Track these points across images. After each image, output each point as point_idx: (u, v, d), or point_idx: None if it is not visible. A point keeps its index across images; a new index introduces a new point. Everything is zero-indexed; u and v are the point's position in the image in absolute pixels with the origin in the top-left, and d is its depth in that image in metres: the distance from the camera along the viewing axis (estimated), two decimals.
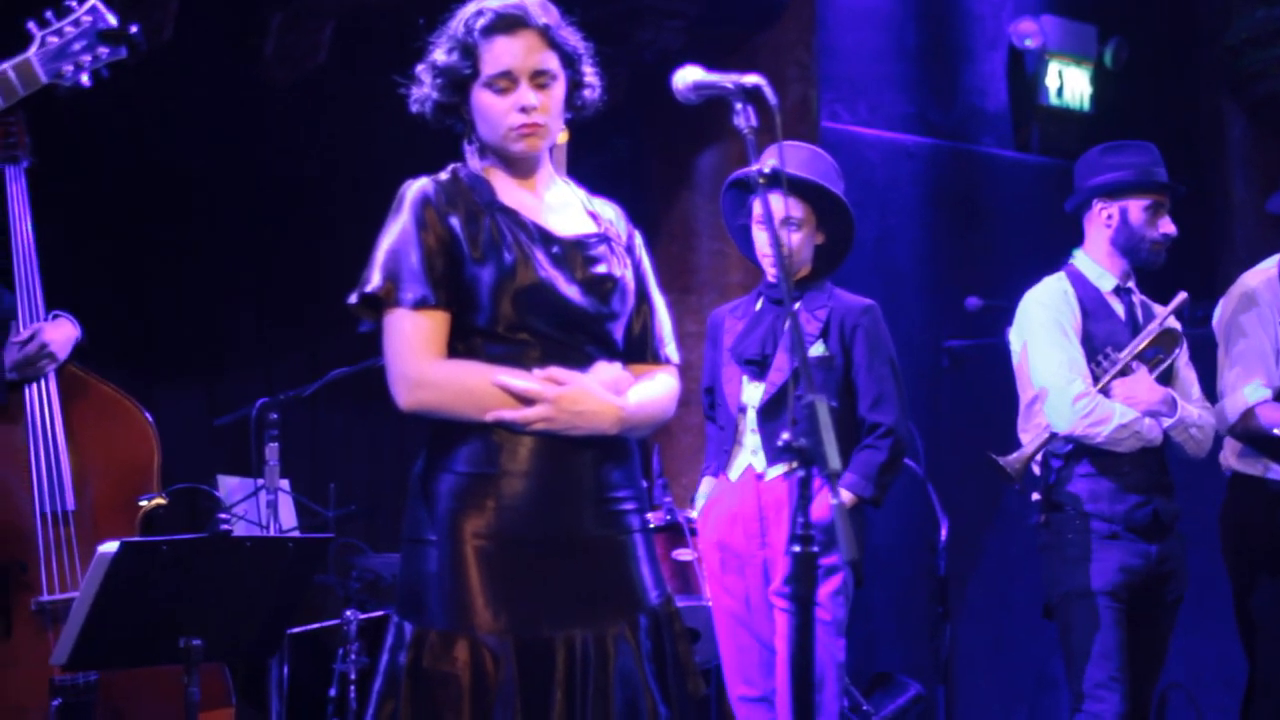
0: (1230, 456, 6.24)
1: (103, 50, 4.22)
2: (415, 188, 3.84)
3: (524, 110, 3.83)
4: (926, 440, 7.77)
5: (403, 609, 3.80)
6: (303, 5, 7.24)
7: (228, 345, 7.89)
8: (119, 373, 6.50)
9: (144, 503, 5.57)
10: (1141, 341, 5.85)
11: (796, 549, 3.14)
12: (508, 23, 3.85)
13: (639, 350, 4.01)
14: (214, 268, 7.83)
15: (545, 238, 3.86)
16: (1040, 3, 10.16)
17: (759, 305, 5.82)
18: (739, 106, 3.63)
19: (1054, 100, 10.20)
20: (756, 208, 5.62)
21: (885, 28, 9.37)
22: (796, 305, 5.60)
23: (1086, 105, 10.34)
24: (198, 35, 6.94)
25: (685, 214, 8.60)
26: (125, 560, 4.55)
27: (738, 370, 5.76)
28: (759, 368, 5.69)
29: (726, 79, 3.69)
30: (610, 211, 4.06)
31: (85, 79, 4.23)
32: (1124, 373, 5.81)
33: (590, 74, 4.00)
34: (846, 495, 5.54)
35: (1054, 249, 7.29)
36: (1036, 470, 5.95)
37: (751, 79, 3.64)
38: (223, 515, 5.54)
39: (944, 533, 7.57)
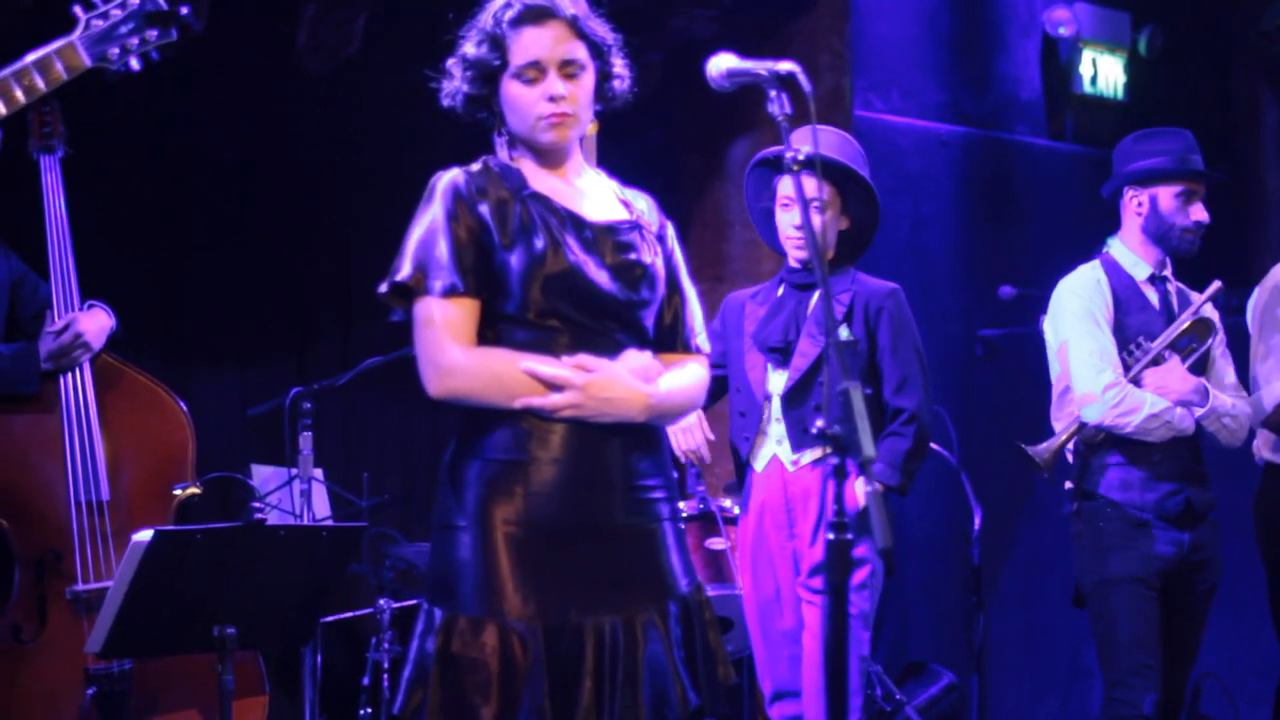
0: (1264, 447, 6.23)
1: (152, 33, 4.15)
2: (446, 178, 3.86)
3: (552, 99, 3.85)
4: (960, 429, 7.76)
5: (433, 595, 3.81)
6: None
7: (262, 334, 7.90)
8: (153, 362, 6.54)
9: (178, 492, 5.59)
10: (1174, 331, 5.83)
11: (831, 537, 3.13)
12: (536, 14, 3.87)
13: (669, 339, 4.02)
14: (247, 257, 7.84)
15: (576, 223, 3.87)
16: None
17: (780, 291, 5.74)
18: (773, 94, 3.63)
19: (1088, 88, 10.16)
20: (783, 188, 5.59)
21: (919, 15, 9.34)
22: (818, 292, 5.54)
23: (1120, 93, 10.30)
24: (231, 25, 6.94)
25: (718, 203, 8.59)
26: (159, 549, 4.57)
27: (761, 357, 5.69)
28: (782, 355, 5.63)
29: (760, 66, 3.69)
30: (642, 202, 4.07)
31: (135, 63, 4.17)
32: (1156, 362, 5.79)
33: (619, 65, 4.01)
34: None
35: (1088, 238, 7.26)
36: (1069, 459, 5.94)
37: (785, 66, 3.64)
38: (256, 504, 5.56)
39: (977, 522, 7.56)
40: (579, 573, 3.76)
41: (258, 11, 7.41)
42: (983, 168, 9.48)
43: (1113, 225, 6.04)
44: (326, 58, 7.43)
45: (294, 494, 6.26)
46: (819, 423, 3.14)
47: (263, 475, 6.83)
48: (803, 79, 3.58)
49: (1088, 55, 10.13)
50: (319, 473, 6.54)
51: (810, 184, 5.38)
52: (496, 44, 3.86)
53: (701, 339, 4.08)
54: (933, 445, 6.15)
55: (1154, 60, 10.45)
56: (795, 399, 5.59)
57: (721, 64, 3.79)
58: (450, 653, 3.70)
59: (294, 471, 6.29)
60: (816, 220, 5.50)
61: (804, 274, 5.64)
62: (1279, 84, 10.83)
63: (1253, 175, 10.62)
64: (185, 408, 5.76)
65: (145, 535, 4.56)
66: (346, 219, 8.03)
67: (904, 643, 8.95)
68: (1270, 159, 10.85)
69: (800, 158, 3.52)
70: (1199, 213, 5.89)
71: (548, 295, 3.78)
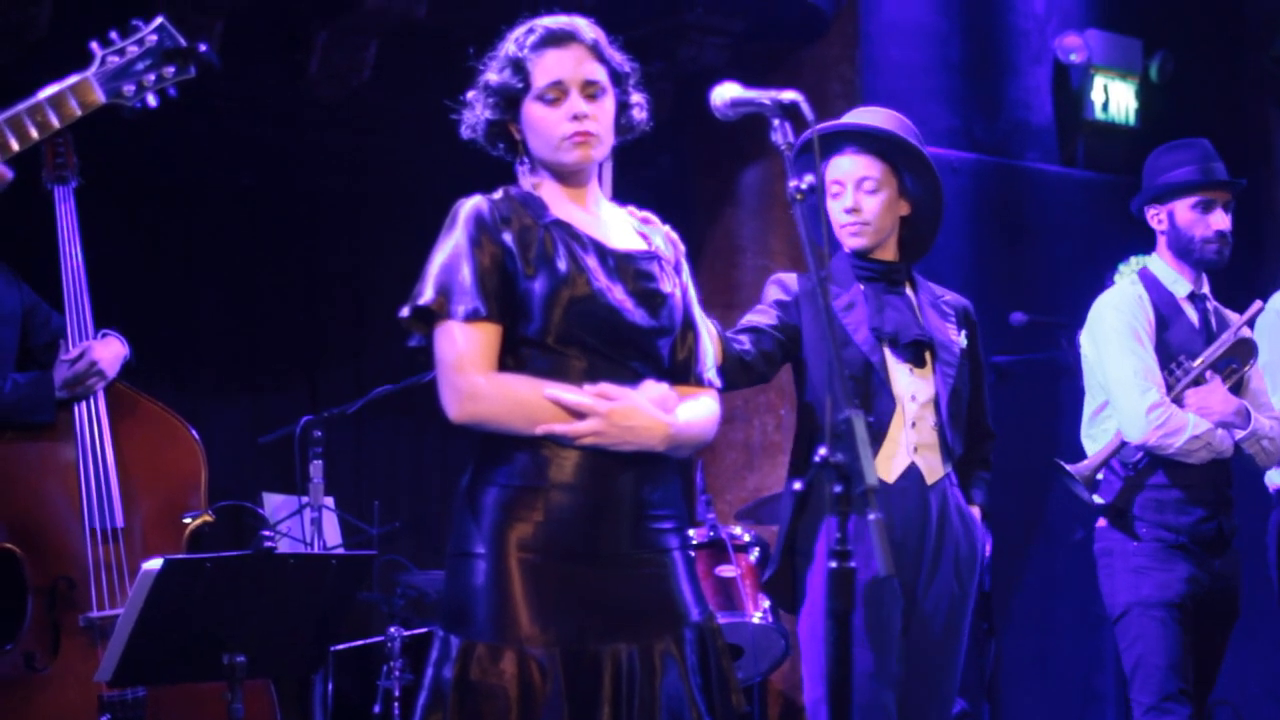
0: (1277, 475, 6.23)
1: (169, 70, 4.15)
2: (469, 205, 3.88)
3: (576, 118, 3.88)
4: None
5: (448, 622, 3.82)
6: (347, 23, 7.28)
7: (274, 362, 7.92)
8: (166, 390, 6.58)
9: (188, 520, 5.61)
10: (1217, 350, 5.77)
11: (834, 565, 3.14)
12: (558, 37, 3.92)
13: (683, 372, 4.03)
14: (259, 285, 7.86)
15: (599, 250, 3.90)
16: (1085, 17, 10.12)
17: (860, 285, 5.11)
18: (776, 123, 3.65)
19: (1099, 114, 10.14)
20: (832, 172, 5.10)
21: (929, 43, 9.34)
22: (909, 286, 5.19)
23: (1132, 119, 10.29)
24: (243, 52, 6.97)
25: (729, 230, 8.59)
26: (169, 578, 4.58)
27: (880, 350, 5.00)
28: (918, 352, 5.04)
29: (764, 95, 3.72)
30: (659, 236, 4.10)
31: (152, 100, 4.16)
32: (1197, 382, 5.74)
33: (636, 95, 4.04)
34: (977, 512, 5.14)
35: (1100, 264, 7.29)
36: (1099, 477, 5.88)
37: (789, 95, 3.66)
38: (266, 533, 5.57)
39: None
40: (595, 600, 3.77)
41: (270, 39, 7.44)
42: (994, 194, 9.48)
43: (1125, 251, 6.05)
44: (339, 85, 7.46)
45: (304, 522, 6.27)
46: (822, 450, 3.15)
47: (274, 503, 6.84)
48: (805, 107, 3.60)
49: (1099, 81, 10.12)
50: (330, 501, 6.54)
51: (860, 162, 5.06)
52: (519, 68, 3.90)
53: (713, 373, 4.09)
54: None
55: (1166, 86, 10.44)
56: (952, 405, 5.05)
57: (726, 93, 3.82)
58: (468, 680, 3.70)
59: (305, 500, 6.30)
60: (872, 202, 5.07)
61: (887, 267, 5.13)
62: None
63: (1265, 201, 10.61)
64: (198, 436, 5.78)
65: (155, 564, 4.57)
66: (359, 246, 8.05)
67: None
68: None
69: (804, 187, 3.52)
70: (1219, 221, 5.85)
71: (570, 321, 3.80)
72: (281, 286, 7.96)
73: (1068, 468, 5.83)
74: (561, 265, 3.81)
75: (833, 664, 3.15)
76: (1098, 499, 5.87)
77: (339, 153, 8.03)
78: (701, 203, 8.72)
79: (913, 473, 4.96)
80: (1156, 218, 5.92)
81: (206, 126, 7.55)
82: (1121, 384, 5.74)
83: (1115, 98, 10.24)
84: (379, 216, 7.97)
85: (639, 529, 3.84)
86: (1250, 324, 5.87)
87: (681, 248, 4.13)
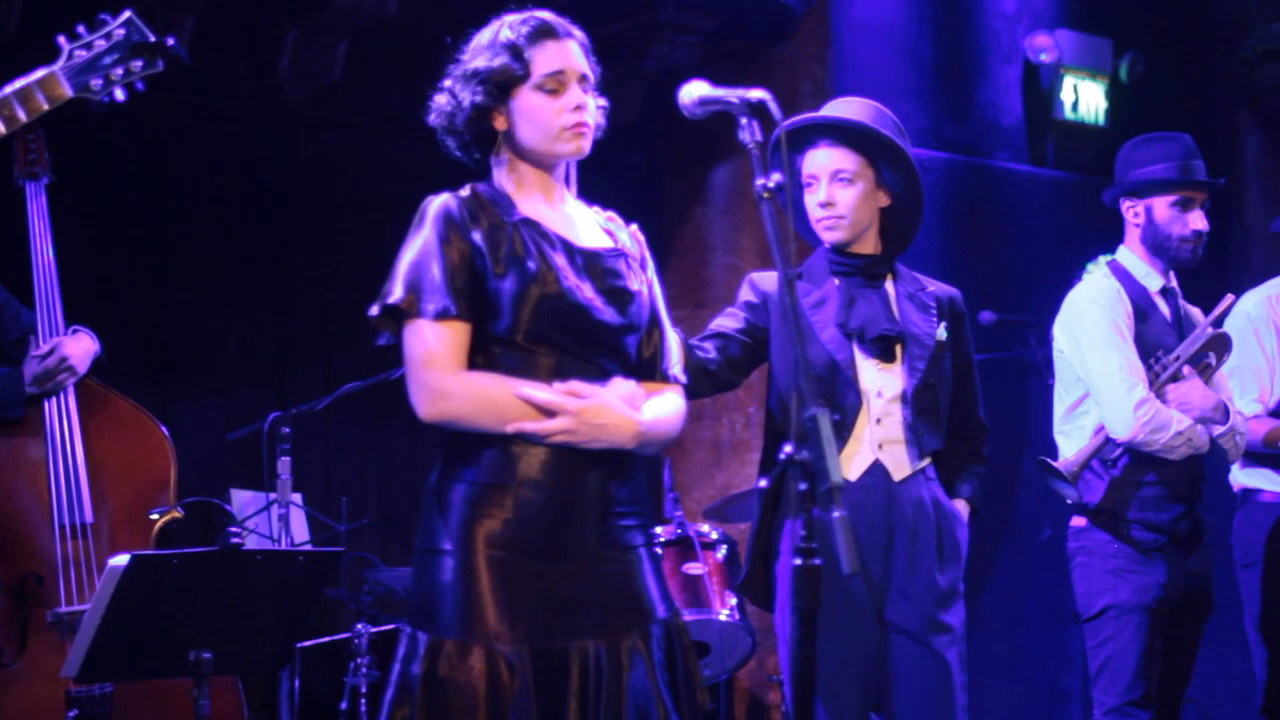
0: (1238, 472, 6.25)
1: (137, 64, 4.14)
2: (437, 203, 3.88)
3: (578, 109, 3.91)
4: None
5: (415, 619, 3.82)
6: (318, 22, 7.28)
7: (245, 359, 7.91)
8: (136, 387, 6.56)
9: (155, 516, 5.61)
10: (1195, 344, 5.70)
11: (798, 562, 3.16)
12: (555, 30, 3.96)
13: (649, 368, 4.04)
14: (231, 282, 7.86)
15: (568, 248, 3.91)
16: (1055, 17, 10.15)
17: (836, 280, 5.04)
18: (744, 121, 3.64)
19: (1069, 114, 10.18)
20: (807, 165, 5.03)
21: (900, 42, 9.37)
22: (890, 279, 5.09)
23: (1102, 119, 10.32)
24: (214, 52, 6.97)
25: (699, 229, 8.60)
26: (135, 574, 4.59)
27: (848, 346, 4.94)
28: (887, 347, 4.95)
29: (732, 94, 3.71)
30: (624, 233, 4.11)
31: (119, 94, 4.16)
32: (1175, 377, 5.69)
33: (601, 100, 4.06)
34: (966, 508, 5.10)
35: (1069, 263, 7.31)
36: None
37: (756, 93, 3.66)
38: (233, 529, 5.56)
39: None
40: (563, 597, 3.78)
41: (240, 37, 7.44)
42: (964, 194, 9.50)
43: (1094, 250, 6.00)
44: (309, 84, 7.46)
45: (272, 519, 6.27)
46: (787, 448, 3.17)
47: (242, 500, 6.84)
48: (773, 106, 3.60)
49: (1069, 81, 10.15)
50: (298, 497, 6.55)
51: (834, 155, 4.98)
52: (517, 55, 3.91)
53: (678, 369, 4.09)
54: None
55: (1135, 86, 10.48)
56: (919, 400, 4.95)
57: (694, 91, 3.82)
58: (437, 676, 3.71)
59: (273, 496, 6.31)
60: (846, 196, 4.98)
61: (865, 261, 5.05)
62: (1260, 110, 10.87)
63: (1234, 201, 10.65)
64: (167, 432, 5.78)
65: (121, 560, 4.58)
66: (329, 244, 8.04)
67: None
68: (1252, 184, 10.88)
69: (771, 185, 3.53)
70: (1197, 221, 5.77)
71: (539, 319, 3.81)
72: (252, 284, 7.95)
73: (1055, 465, 5.73)
74: (531, 264, 3.82)
75: (797, 660, 3.17)
76: (1069, 498, 5.80)
77: (310, 151, 8.02)
78: (671, 201, 8.73)
79: (877, 469, 4.91)
80: (1133, 210, 5.84)
81: (178, 124, 7.54)
82: (1107, 380, 5.66)
83: (1085, 98, 10.28)
84: (349, 214, 7.97)
85: (606, 526, 3.85)
86: (1222, 318, 5.82)
87: (644, 244, 4.14)
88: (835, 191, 4.98)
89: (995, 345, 8.89)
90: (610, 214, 4.14)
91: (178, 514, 5.69)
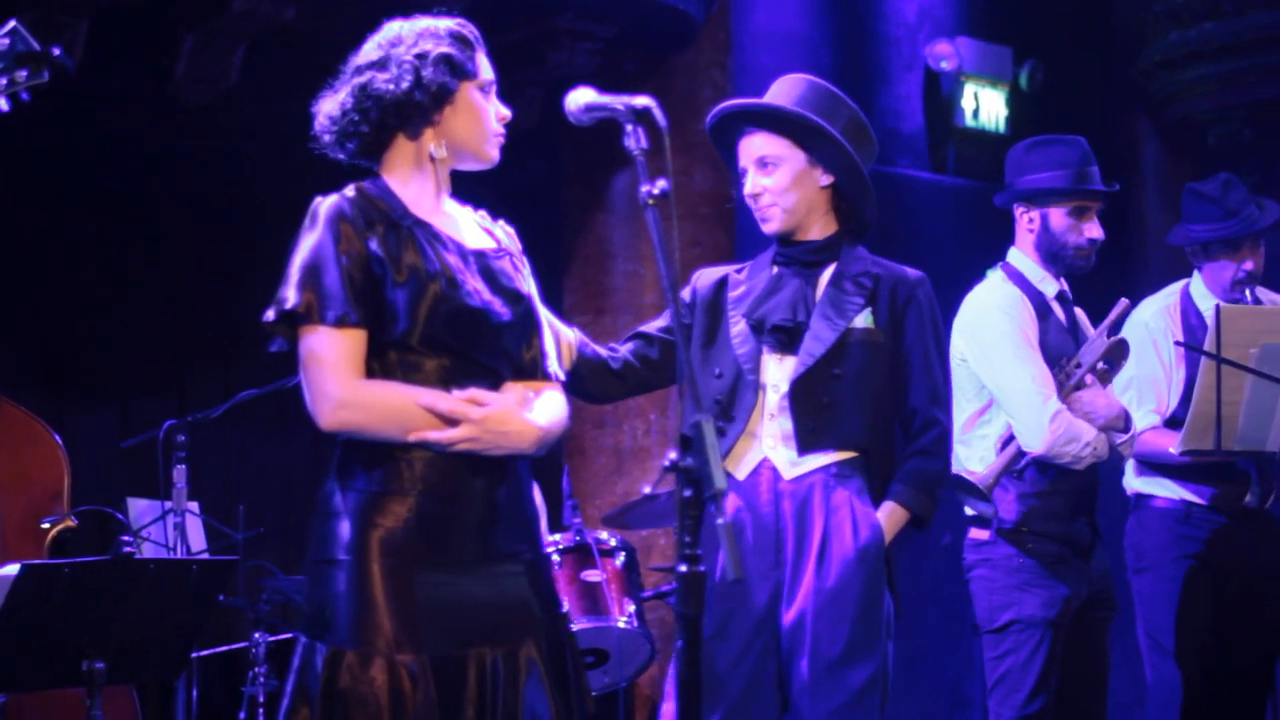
0: (1131, 478, 6.28)
1: (21, 73, 4.09)
2: (329, 203, 3.81)
3: (499, 120, 3.94)
4: None
5: (312, 629, 3.77)
6: (214, 27, 7.25)
7: (142, 367, 7.87)
8: (30, 394, 6.50)
9: (47, 525, 5.56)
10: (1098, 352, 5.59)
11: (683, 569, 3.16)
12: (476, 41, 3.95)
13: (532, 368, 3.97)
14: (126, 289, 7.81)
15: (460, 251, 3.87)
16: (956, 25, 10.24)
17: (774, 269, 4.85)
18: (629, 128, 3.60)
19: (970, 122, 10.26)
20: (742, 158, 4.83)
21: (801, 50, 9.41)
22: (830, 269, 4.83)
23: (1002, 127, 10.40)
24: (109, 57, 6.92)
25: (600, 236, 8.61)
26: (26, 583, 4.55)
27: (754, 340, 4.75)
28: (787, 338, 4.71)
29: (617, 100, 3.68)
30: (500, 231, 4.07)
31: (3, 103, 4.12)
32: (1079, 385, 5.57)
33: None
34: (896, 510, 4.74)
35: (970, 269, 7.30)
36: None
37: (641, 100, 3.63)
38: (126, 538, 5.50)
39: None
40: (458, 605, 3.75)
41: (136, 43, 7.40)
42: None
43: (995, 257, 5.91)
44: (206, 89, 7.43)
45: (168, 527, 6.23)
46: (671, 454, 3.17)
47: (138, 509, 6.78)
48: (658, 113, 3.58)
49: (970, 89, 10.23)
50: (194, 506, 6.49)
51: (754, 141, 4.76)
52: (467, 49, 3.90)
53: (556, 366, 4.04)
54: None
55: (1035, 94, 10.57)
56: (806, 391, 4.67)
57: (580, 98, 3.78)
58: (338, 687, 3.66)
59: (168, 505, 6.26)
60: (773, 181, 4.74)
61: (801, 249, 4.80)
62: (1158, 118, 10.98)
63: (1133, 208, 10.76)
64: (60, 441, 5.73)
65: (11, 569, 4.54)
66: (227, 249, 8.01)
67: None
68: (1151, 192, 11.00)
69: (655, 192, 3.51)
70: (1093, 230, 5.66)
71: (436, 323, 3.76)
72: (149, 290, 7.90)
73: (972, 479, 5.54)
74: (427, 267, 3.78)
75: (683, 666, 3.17)
76: (970, 510, 5.73)
77: (208, 156, 7.99)
78: (572, 208, 8.72)
79: (765, 467, 4.70)
80: (1027, 216, 5.71)
81: (72, 130, 7.49)
82: (1021, 393, 5.52)
83: (985, 105, 10.36)
84: (248, 220, 7.93)
85: (499, 533, 3.83)
86: (1117, 324, 5.75)
87: (516, 237, 4.10)
88: (760, 179, 4.77)
89: None
90: (482, 212, 4.10)
91: (71, 523, 5.64)
